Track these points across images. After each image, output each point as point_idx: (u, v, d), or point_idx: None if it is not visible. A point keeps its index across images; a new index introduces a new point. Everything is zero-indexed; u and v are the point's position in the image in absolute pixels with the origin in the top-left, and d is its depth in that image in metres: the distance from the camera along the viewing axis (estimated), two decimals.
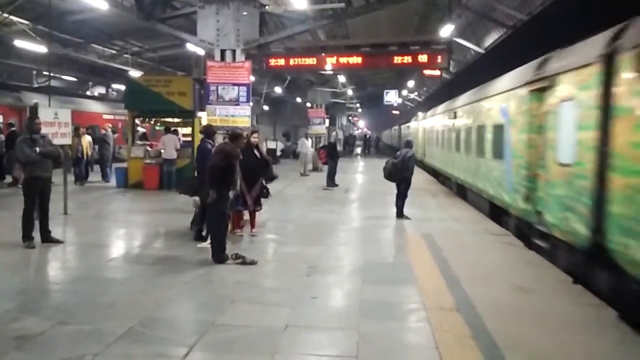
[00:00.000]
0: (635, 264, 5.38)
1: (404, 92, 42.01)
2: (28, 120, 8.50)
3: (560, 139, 7.60)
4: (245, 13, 11.37)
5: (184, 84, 15.75)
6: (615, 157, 5.89)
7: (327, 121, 28.44)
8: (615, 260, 5.81)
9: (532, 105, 8.60)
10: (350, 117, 58.05)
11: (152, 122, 18.08)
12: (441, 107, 21.02)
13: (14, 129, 16.58)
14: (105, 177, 17.58)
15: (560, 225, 7.36)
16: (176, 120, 16.50)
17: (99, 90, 31.45)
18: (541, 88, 8.27)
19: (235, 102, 11.46)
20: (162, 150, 15.34)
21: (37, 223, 8.18)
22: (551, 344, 4.69)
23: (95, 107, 25.46)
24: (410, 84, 36.66)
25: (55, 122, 10.03)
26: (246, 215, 9.31)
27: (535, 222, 8.43)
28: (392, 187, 11.70)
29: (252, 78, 12.32)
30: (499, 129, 10.94)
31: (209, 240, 7.90)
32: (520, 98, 9.31)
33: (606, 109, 6.14)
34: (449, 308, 5.57)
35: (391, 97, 37.75)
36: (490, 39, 19.45)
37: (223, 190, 7.25)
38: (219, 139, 9.97)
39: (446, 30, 14.94)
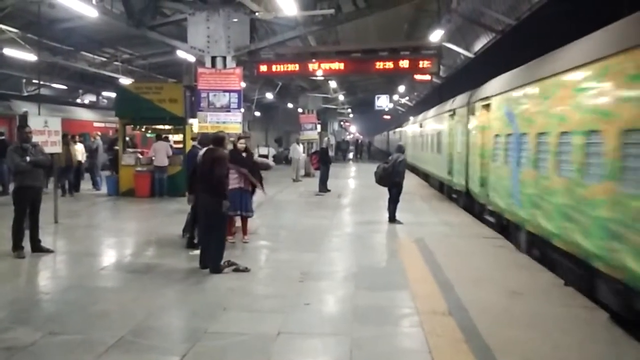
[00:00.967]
0: (477, 195, 12.28)
1: (395, 97, 42.17)
2: (18, 129, 8.45)
3: (457, 140, 14.80)
4: (235, 20, 11.41)
5: (175, 91, 15.72)
6: (471, 148, 12.84)
7: (318, 127, 28.48)
8: (473, 195, 12.79)
9: (449, 122, 16.16)
10: (342, 123, 58.17)
11: (143, 130, 18.02)
12: (412, 119, 29.51)
13: (3, 137, 16.45)
14: (95, 185, 17.47)
15: (456, 181, 14.74)
16: (167, 127, 16.45)
17: (90, 98, 31.33)
18: (451, 114, 15.76)
19: (227, 108, 11.49)
20: (154, 158, 15.27)
21: (27, 232, 8.11)
22: (544, 347, 4.70)
23: (85, 115, 25.35)
24: (401, 88, 36.80)
25: (45, 130, 9.97)
26: (238, 222, 9.29)
27: (449, 182, 15.72)
28: (384, 192, 11.72)
29: (243, 84, 12.33)
30: (439, 135, 18.23)
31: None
32: (446, 118, 16.74)
33: (467, 127, 13.47)
34: (441, 312, 5.57)
35: (382, 102, 37.86)
36: (480, 44, 19.56)
37: (222, 196, 7.15)
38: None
39: (436, 36, 15.01)
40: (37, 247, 8.17)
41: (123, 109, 16.07)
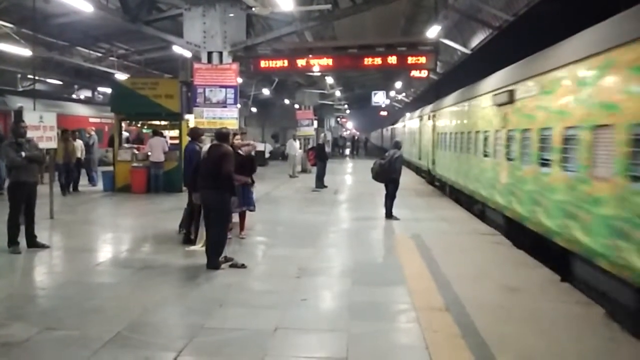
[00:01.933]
0: (432, 170, 19.92)
1: (392, 93, 42.15)
2: (13, 125, 8.40)
3: (424, 136, 22.75)
4: (231, 15, 11.34)
5: (171, 87, 15.65)
6: (436, 142, 19.56)
7: (315, 123, 28.43)
8: (430, 171, 20.12)
9: (419, 124, 24.52)
10: (338, 119, 58.08)
11: (139, 125, 17.95)
12: (400, 120, 39.41)
13: None
14: (91, 180, 17.41)
15: (424, 163, 22.02)
16: (163, 123, 16.39)
17: (85, 93, 31.17)
18: (420, 119, 24.53)
19: (223, 104, 11.42)
20: (150, 153, 15.22)
21: (22, 228, 8.07)
22: (541, 343, 4.71)
23: (81, 110, 25.23)
24: (398, 85, 36.76)
25: (40, 125, 9.92)
26: (235, 218, 9.26)
27: (419, 165, 23.26)
28: (380, 188, 11.72)
29: (240, 80, 12.27)
30: (414, 132, 26.92)
31: (200, 244, 7.88)
32: (417, 121, 25.22)
33: (427, 128, 21.89)
34: (438, 308, 5.58)
35: (379, 98, 37.82)
36: (477, 40, 19.55)
37: (227, 192, 7.12)
38: (207, 141, 9.91)
39: (433, 31, 14.98)
40: (33, 243, 8.14)
41: (119, 105, 16.00)
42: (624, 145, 5.86)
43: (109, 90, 23.84)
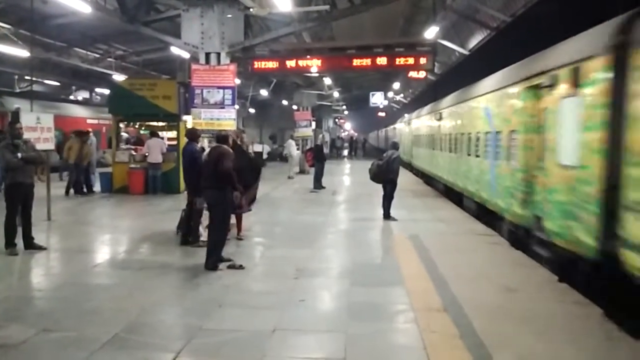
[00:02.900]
0: (411, 162, 27.01)
1: (390, 94, 42.18)
2: (9, 126, 8.38)
3: (406, 137, 30.37)
4: (229, 16, 11.34)
5: (169, 88, 15.64)
6: (413, 142, 26.68)
7: (313, 123, 28.42)
8: (410, 164, 26.93)
9: (404, 127, 33.13)
10: (336, 119, 58.10)
11: (137, 127, 17.92)
12: (392, 125, 48.03)
13: None
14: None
15: (406, 158, 26.80)
16: (161, 124, 16.36)
17: (83, 94, 31.13)
18: (403, 123, 34.30)
19: (221, 105, 11.41)
20: (147, 154, 15.20)
21: (19, 229, 8.05)
22: (538, 342, 4.72)
23: (78, 111, 25.20)
24: (396, 85, 36.79)
25: (37, 127, 9.90)
26: (232, 219, 9.25)
27: (406, 160, 26.20)
28: (378, 189, 11.73)
29: (238, 81, 12.27)
30: (402, 133, 33.73)
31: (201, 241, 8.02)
32: (402, 124, 34.57)
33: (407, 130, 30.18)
34: (436, 309, 5.58)
35: (377, 99, 37.87)
36: (475, 40, 19.60)
37: (228, 192, 7.17)
38: (205, 142, 9.93)
39: (431, 32, 15.00)
40: (30, 244, 8.12)
41: (116, 106, 15.98)
42: (505, 142, 10.04)
43: (106, 92, 23.89)
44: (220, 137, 7.60)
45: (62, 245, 8.94)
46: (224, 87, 11.40)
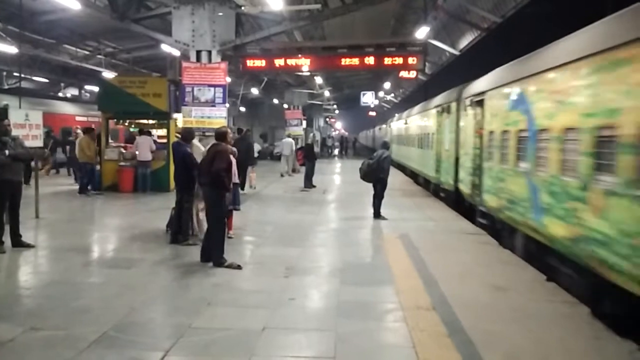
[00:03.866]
0: (395, 159, 23.79)
1: (381, 94, 42.31)
2: None
3: (391, 135, 33.80)
4: (220, 14, 11.31)
5: (159, 85, 15.55)
6: (392, 139, 29.58)
7: (304, 122, 28.44)
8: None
9: (384, 128, 42.18)
10: (327, 119, 58.16)
11: (127, 124, 17.80)
12: (378, 126, 53.71)
13: None
14: (77, 180, 17.25)
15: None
16: (151, 122, 16.27)
17: (72, 91, 30.91)
18: (385, 125, 41.69)
19: (212, 103, 11.40)
20: (137, 152, 15.11)
21: (7, 227, 7.98)
22: (527, 341, 4.75)
23: (67, 108, 25.00)
24: (387, 85, 36.91)
25: (26, 124, 9.82)
26: None
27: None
28: (369, 188, 11.75)
29: (229, 79, 12.25)
30: (385, 133, 38.60)
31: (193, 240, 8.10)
32: (385, 126, 42.18)
33: (388, 130, 36.99)
34: (425, 307, 5.60)
35: (368, 98, 37.98)
36: (465, 41, 19.70)
37: (223, 190, 7.19)
38: (195, 141, 9.88)
39: (422, 32, 15.06)
40: (18, 242, 8.05)
41: (106, 103, 15.88)
42: (432, 140, 17.19)
43: (96, 89, 23.71)
44: (218, 134, 7.52)
45: (50, 243, 8.87)
46: (214, 85, 11.38)
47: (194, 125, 11.16)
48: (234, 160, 7.80)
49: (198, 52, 11.41)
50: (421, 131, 19.98)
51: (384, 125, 44.15)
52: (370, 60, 12.26)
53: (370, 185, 11.60)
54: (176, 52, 14.85)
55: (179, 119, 12.58)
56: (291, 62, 12.66)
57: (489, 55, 15.28)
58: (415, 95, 37.19)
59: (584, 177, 6.16)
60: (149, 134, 15.84)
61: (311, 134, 25.00)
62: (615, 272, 5.49)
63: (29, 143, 9.50)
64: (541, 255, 7.64)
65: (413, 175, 22.51)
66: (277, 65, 12.83)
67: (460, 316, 5.30)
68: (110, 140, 16.36)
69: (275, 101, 36.66)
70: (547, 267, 7.30)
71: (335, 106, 48.84)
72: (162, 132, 16.16)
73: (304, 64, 12.63)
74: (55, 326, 4.95)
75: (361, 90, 37.91)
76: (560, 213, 6.81)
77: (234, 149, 7.69)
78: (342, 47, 12.74)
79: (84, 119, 24.91)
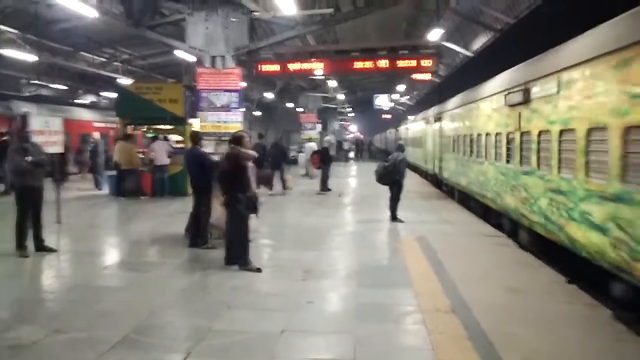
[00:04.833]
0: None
1: (395, 96, 42.22)
2: (19, 129, 8.45)
3: (392, 138, 45.80)
4: (234, 19, 11.40)
5: (175, 91, 15.73)
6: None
7: (319, 126, 28.49)
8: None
9: (393, 132, 46.38)
10: (342, 122, 58.18)
11: (144, 130, 18.00)
12: (388, 130, 55.66)
13: (5, 138, 16.39)
14: (98, 185, 17.50)
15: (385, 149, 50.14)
16: (168, 127, 16.44)
17: (90, 98, 31.33)
18: (394, 129, 46.29)
19: (227, 108, 11.48)
20: (153, 157, 15.26)
21: (30, 232, 8.12)
22: (547, 343, 4.72)
23: (85, 115, 25.35)
24: (401, 88, 36.84)
25: (45, 130, 9.98)
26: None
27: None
28: (385, 191, 11.74)
29: (243, 84, 12.34)
30: (392, 136, 46.99)
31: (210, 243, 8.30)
32: (394, 130, 46.90)
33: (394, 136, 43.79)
34: (444, 310, 5.59)
35: (381, 101, 37.89)
36: (479, 43, 19.59)
37: (238, 193, 7.26)
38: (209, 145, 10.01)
39: (435, 34, 15.02)
40: (41, 247, 8.20)
41: (124, 109, 16.09)
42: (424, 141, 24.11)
43: (113, 95, 24.02)
44: (234, 139, 7.61)
45: (71, 248, 9.00)
46: (229, 90, 11.47)
47: (209, 130, 11.26)
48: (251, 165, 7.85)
49: (212, 58, 11.51)
50: (414, 135, 28.80)
51: (394, 130, 48.32)
52: (383, 63, 12.25)
53: (386, 188, 11.59)
54: (191, 58, 15.00)
55: (195, 124, 12.68)
56: (305, 66, 12.70)
57: (503, 56, 15.17)
58: (430, 97, 37.02)
59: (468, 155, 14.31)
60: (166, 139, 16.01)
61: (327, 137, 24.99)
62: (496, 205, 11.33)
63: (48, 149, 9.67)
64: (462, 197, 15.16)
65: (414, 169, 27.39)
66: (290, 69, 12.88)
67: (480, 319, 5.27)
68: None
69: (290, 105, 36.78)
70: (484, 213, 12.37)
71: (349, 109, 48.85)
72: (179, 137, 16.30)
73: (318, 67, 12.65)
74: (78, 329, 5.03)
75: (375, 93, 37.85)
76: (469, 175, 14.22)
77: (253, 153, 7.71)
78: (355, 50, 12.75)
79: (102, 124, 25.26)
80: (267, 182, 15.53)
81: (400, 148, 11.93)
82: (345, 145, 46.39)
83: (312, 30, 13.50)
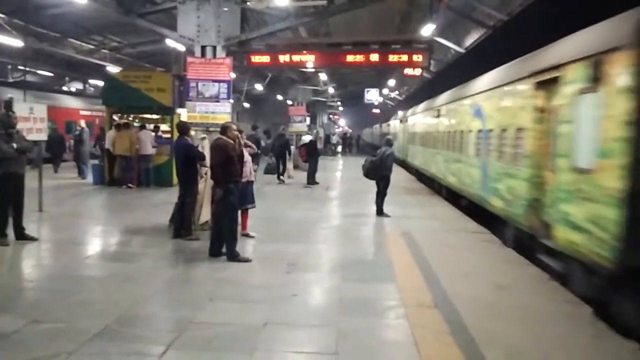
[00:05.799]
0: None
1: (385, 91, 42.19)
2: (4, 115, 8.28)
3: (377, 133, 55.81)
4: (226, 9, 11.27)
5: (164, 80, 15.57)
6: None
7: (308, 119, 28.38)
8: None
9: (377, 128, 57.13)
10: (331, 116, 58.07)
11: (131, 119, 17.82)
12: (375, 125, 61.91)
13: None
14: (81, 173, 17.31)
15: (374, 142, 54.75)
16: (155, 116, 16.28)
17: (76, 85, 30.96)
18: (379, 125, 56.31)
19: (216, 98, 11.35)
20: (138, 147, 15.11)
21: (10, 220, 8.00)
22: (528, 340, 4.75)
23: (71, 102, 25.04)
24: (391, 82, 36.79)
25: (30, 117, 9.83)
26: None
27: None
28: (372, 185, 11.74)
29: (233, 75, 12.22)
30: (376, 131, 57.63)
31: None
32: (377, 127, 57.42)
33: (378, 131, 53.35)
34: (427, 305, 5.60)
35: (372, 95, 37.85)
36: (471, 39, 19.59)
37: (229, 184, 7.23)
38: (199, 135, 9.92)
39: (427, 30, 14.99)
40: (21, 235, 8.07)
41: (110, 98, 15.90)
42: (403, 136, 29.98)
43: (100, 83, 23.74)
44: (221, 129, 7.70)
45: (53, 237, 8.90)
46: (219, 81, 11.34)
47: (198, 120, 11.16)
48: (248, 158, 7.87)
49: (203, 48, 11.37)
50: (393, 131, 35.04)
51: (384, 124, 51.92)
52: (375, 57, 12.20)
53: (372, 183, 11.59)
54: (181, 48, 14.84)
55: (183, 114, 12.57)
56: (296, 58, 12.62)
57: (494, 53, 15.19)
58: (419, 93, 37.05)
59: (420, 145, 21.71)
60: (157, 128, 15.88)
61: (314, 131, 24.94)
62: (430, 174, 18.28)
63: (33, 136, 9.54)
64: (420, 176, 20.79)
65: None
66: (281, 61, 12.79)
67: (462, 314, 5.29)
68: None
69: (279, 97, 36.61)
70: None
71: (339, 103, 48.76)
72: (167, 127, 16.15)
73: (309, 60, 12.58)
74: (58, 319, 4.97)
75: (365, 87, 37.77)
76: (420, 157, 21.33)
77: (249, 145, 7.84)
78: (347, 43, 12.69)
79: (88, 113, 24.98)
80: (272, 172, 18.32)
81: (388, 143, 11.94)
82: (333, 139, 46.37)
83: (305, 22, 13.40)
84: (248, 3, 11.42)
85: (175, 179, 9.49)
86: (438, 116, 17.88)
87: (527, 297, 6.01)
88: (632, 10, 5.89)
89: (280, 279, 6.55)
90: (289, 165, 19.11)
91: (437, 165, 17.22)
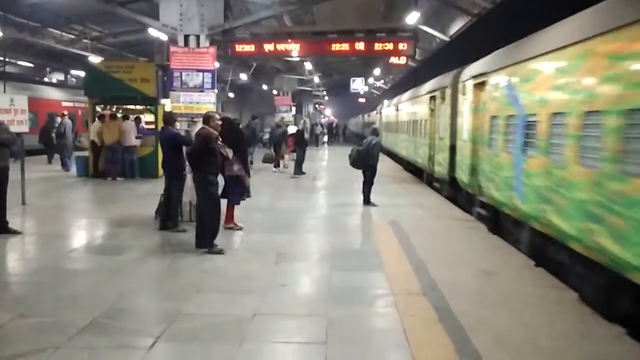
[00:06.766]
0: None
1: (371, 80, 42.16)
2: None
3: (361, 121, 59.66)
4: None
5: (147, 70, 15.37)
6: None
7: (293, 109, 28.32)
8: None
9: (361, 118, 60.39)
10: (317, 105, 57.93)
11: (114, 110, 17.60)
12: (360, 115, 65.26)
13: None
14: (64, 166, 17.09)
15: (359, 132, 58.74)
16: (139, 107, 16.08)
17: (57, 76, 30.47)
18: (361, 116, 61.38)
19: (200, 88, 11.24)
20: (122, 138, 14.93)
21: None
22: (515, 325, 4.80)
23: (53, 93, 24.66)
24: (377, 71, 36.78)
25: (11, 109, 9.66)
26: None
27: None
28: (358, 175, 11.75)
29: (217, 64, 12.10)
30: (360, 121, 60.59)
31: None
32: (360, 117, 62.78)
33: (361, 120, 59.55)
34: (415, 293, 5.63)
35: (357, 85, 37.82)
36: (455, 27, 19.63)
37: (210, 175, 7.18)
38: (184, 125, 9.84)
39: (412, 18, 14.98)
40: (4, 229, 7.96)
41: (93, 89, 15.68)
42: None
43: (82, 74, 23.39)
44: (203, 118, 7.67)
45: (37, 230, 8.79)
46: (203, 71, 11.22)
47: (182, 111, 11.04)
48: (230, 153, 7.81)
49: (186, 37, 11.21)
50: (373, 119, 39.08)
51: (365, 115, 55.53)
52: (360, 45, 12.14)
53: (359, 172, 11.59)
54: (164, 37, 14.66)
55: (167, 105, 12.44)
56: (281, 47, 12.51)
57: (479, 42, 15.26)
58: (405, 81, 37.14)
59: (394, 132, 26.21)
60: (138, 119, 15.69)
61: (302, 121, 24.88)
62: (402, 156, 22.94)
63: (14, 128, 9.37)
64: (400, 161, 23.26)
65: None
66: (266, 50, 12.68)
67: (450, 301, 5.33)
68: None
69: (265, 87, 36.42)
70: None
71: (324, 92, 48.65)
72: (150, 117, 15.98)
73: (294, 49, 12.48)
74: (44, 313, 4.91)
75: (351, 77, 37.71)
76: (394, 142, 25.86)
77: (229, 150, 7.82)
78: (332, 32, 12.61)
79: (71, 104, 24.62)
80: (271, 161, 18.64)
81: (374, 132, 11.93)
82: (317, 130, 46.34)
83: (289, 10, 13.28)
84: None
85: (160, 171, 9.37)
86: (397, 110, 25.33)
87: (514, 283, 6.07)
88: (455, 70, 13.12)
89: (269, 269, 6.54)
90: (286, 155, 19.42)
91: (394, 144, 25.19)
